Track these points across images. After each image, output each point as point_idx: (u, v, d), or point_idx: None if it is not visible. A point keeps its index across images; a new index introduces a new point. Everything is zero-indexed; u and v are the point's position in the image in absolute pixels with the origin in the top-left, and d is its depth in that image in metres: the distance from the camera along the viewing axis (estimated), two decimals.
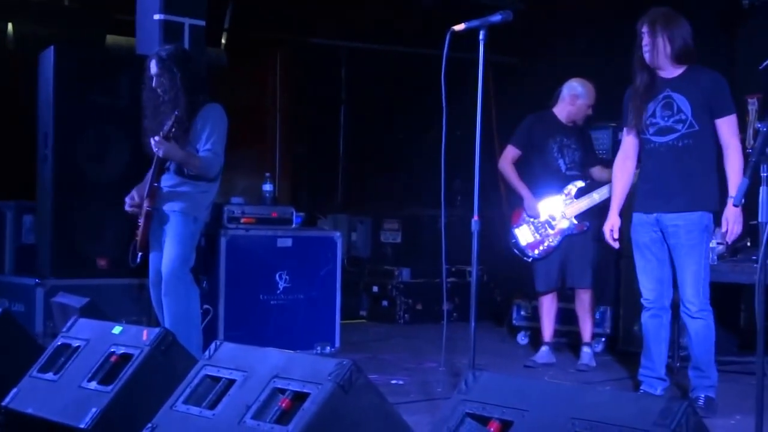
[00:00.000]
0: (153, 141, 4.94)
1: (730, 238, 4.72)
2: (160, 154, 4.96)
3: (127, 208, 5.12)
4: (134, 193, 5.13)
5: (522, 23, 7.29)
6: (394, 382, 5.44)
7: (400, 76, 9.52)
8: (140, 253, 5.06)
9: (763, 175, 3.53)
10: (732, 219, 4.65)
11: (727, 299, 5.84)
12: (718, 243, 5.82)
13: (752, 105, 6.87)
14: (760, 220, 3.55)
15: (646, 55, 4.75)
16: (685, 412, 2.40)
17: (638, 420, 2.43)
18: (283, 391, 3.06)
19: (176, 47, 5.25)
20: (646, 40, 4.76)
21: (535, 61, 8.68)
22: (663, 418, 2.39)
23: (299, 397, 2.99)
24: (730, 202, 4.59)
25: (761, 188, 3.55)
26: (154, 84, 5.05)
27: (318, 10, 9.02)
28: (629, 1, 5.93)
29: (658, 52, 4.73)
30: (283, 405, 3.01)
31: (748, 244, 5.76)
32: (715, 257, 5.88)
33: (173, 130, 4.90)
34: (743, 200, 4.16)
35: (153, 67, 5.05)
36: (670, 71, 4.79)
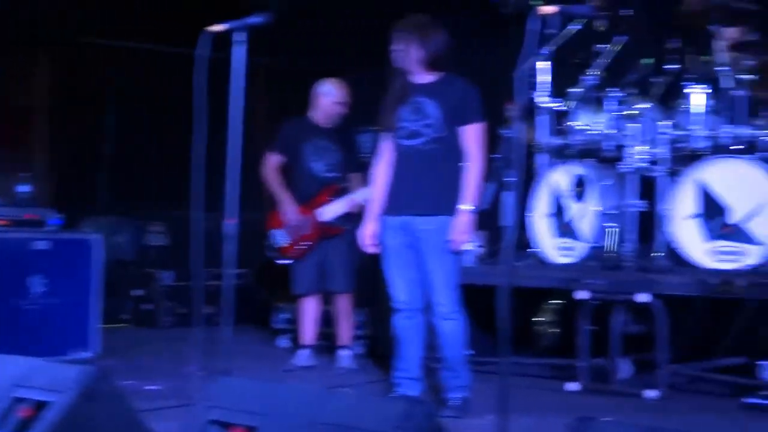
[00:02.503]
0: None
1: (456, 246, 4.81)
2: None
3: None
4: None
5: (291, 25, 7.36)
6: (149, 387, 5.34)
7: (168, 76, 9.31)
8: None
9: (507, 180, 3.68)
10: (461, 226, 4.76)
11: (484, 300, 6.06)
12: (478, 246, 6.05)
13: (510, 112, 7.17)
14: (503, 224, 3.69)
15: (399, 60, 4.85)
16: (426, 414, 2.46)
17: (381, 423, 2.47)
18: (23, 400, 2.95)
19: None
20: (399, 45, 4.85)
21: (306, 63, 8.69)
22: (404, 421, 2.44)
23: (41, 406, 2.90)
24: (463, 209, 4.71)
25: (505, 194, 3.69)
26: None
27: (88, 8, 8.73)
28: (395, 6, 6.08)
29: (411, 57, 4.84)
30: (24, 414, 2.91)
31: None
32: (473, 259, 6.12)
33: None
34: (479, 207, 4.35)
35: None
36: (423, 77, 4.90)
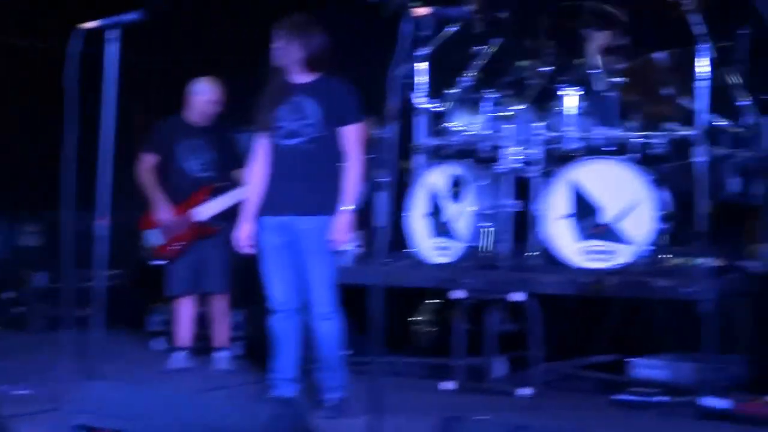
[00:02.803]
0: None
1: (336, 246, 4.84)
2: None
3: None
4: None
5: (166, 23, 7.25)
6: (18, 392, 5.19)
7: (41, 73, 9.06)
8: None
9: (380, 180, 3.72)
10: (342, 226, 4.80)
11: (361, 300, 6.10)
12: (355, 246, 6.08)
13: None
14: (376, 224, 3.73)
15: (278, 59, 4.86)
16: (295, 415, 2.47)
17: (250, 425, 2.47)
18: None
19: None
20: (280, 43, 4.85)
21: (181, 62, 8.58)
22: (274, 423, 2.44)
23: None
24: (344, 209, 4.73)
25: (378, 194, 3.72)
26: None
27: None
28: (274, 5, 6.07)
29: (291, 56, 4.84)
30: None
31: None
32: (351, 259, 6.16)
33: None
34: (356, 207, 4.39)
35: None
36: (302, 77, 4.91)
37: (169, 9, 7.53)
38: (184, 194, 6.25)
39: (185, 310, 6.31)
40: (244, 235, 4.96)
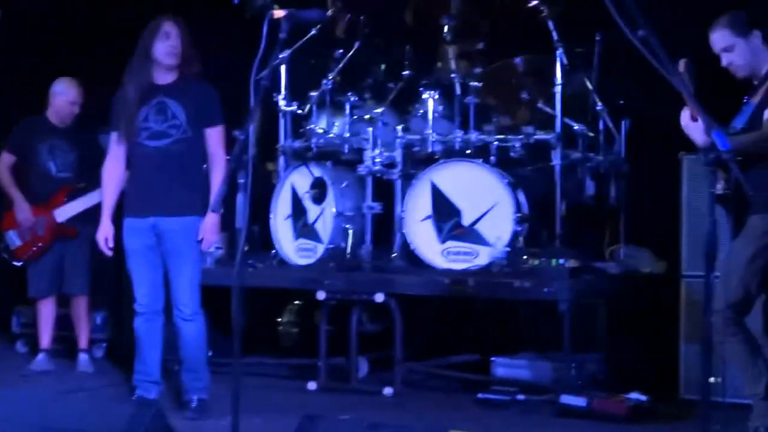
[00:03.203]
0: None
1: (205, 247, 4.89)
2: None
3: None
4: None
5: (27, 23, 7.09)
6: None
7: None
8: None
9: (240, 182, 3.74)
10: (209, 228, 4.83)
11: (226, 301, 6.09)
12: (216, 248, 6.07)
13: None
14: (237, 226, 3.75)
15: (175, 58, 4.84)
16: (154, 416, 2.48)
17: (108, 427, 2.47)
18: None
19: None
20: (174, 42, 4.82)
21: (43, 62, 8.37)
22: (131, 424, 2.45)
23: None
24: (211, 210, 4.69)
25: (238, 195, 3.75)
26: None
27: None
28: (137, 5, 6.03)
29: (170, 55, 4.85)
30: None
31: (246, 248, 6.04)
32: (213, 261, 6.14)
33: None
34: (221, 209, 4.40)
35: None
36: (165, 77, 4.91)
37: (29, 9, 7.40)
38: (45, 195, 6.17)
39: (47, 312, 6.23)
40: (104, 235, 4.93)
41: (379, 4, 6.64)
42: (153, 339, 4.96)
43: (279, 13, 3.90)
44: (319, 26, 6.33)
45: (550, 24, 5.93)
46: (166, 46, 4.84)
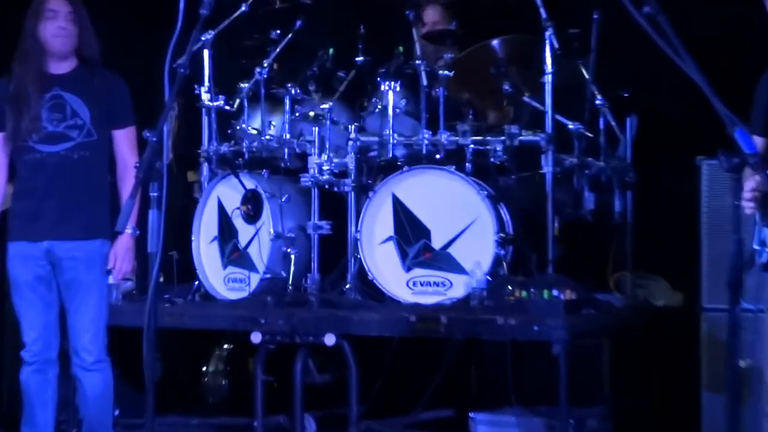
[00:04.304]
0: None
1: (117, 277, 4.92)
2: None
3: None
4: None
5: None
6: None
7: None
8: None
9: (153, 195, 3.75)
10: (121, 253, 4.86)
11: (137, 347, 6.06)
12: (125, 279, 6.05)
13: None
14: (149, 250, 3.76)
15: (66, 41, 4.84)
16: None
17: None
18: None
19: None
20: (63, 22, 4.82)
21: None
22: None
23: None
24: (122, 231, 4.70)
25: (150, 212, 3.76)
26: None
27: None
28: None
29: (66, 39, 4.86)
30: None
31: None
32: (120, 296, 6.12)
33: None
34: (136, 229, 4.38)
35: None
36: (60, 66, 4.92)
37: None
38: None
39: None
40: None
41: None
42: (44, 395, 4.94)
43: None
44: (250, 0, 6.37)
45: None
46: (53, 27, 4.84)
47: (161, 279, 6.27)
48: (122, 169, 4.93)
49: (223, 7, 5.71)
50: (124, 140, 4.94)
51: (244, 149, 6.40)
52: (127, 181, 4.81)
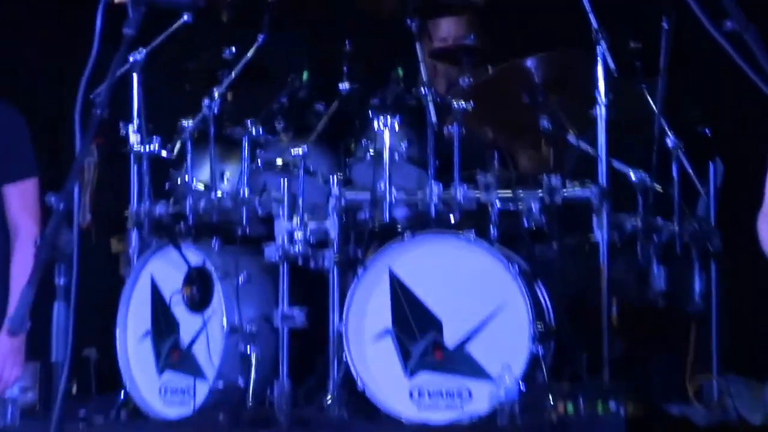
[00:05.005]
0: None
1: (1, 388, 4.92)
2: None
3: None
4: None
5: None
6: None
7: None
8: None
9: (60, 283, 3.71)
10: (4, 358, 4.86)
11: None
12: (21, 389, 6.01)
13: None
14: (54, 359, 3.73)
15: None
16: None
17: None
18: None
19: None
20: None
21: None
22: None
23: None
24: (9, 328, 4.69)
25: (55, 305, 3.74)
26: None
27: None
28: None
29: None
30: None
31: None
32: (17, 413, 6.06)
33: None
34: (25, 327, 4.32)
35: None
36: None
37: None
38: None
39: None
40: None
41: None
42: None
43: None
44: (192, 11, 6.35)
45: (586, 2, 5.97)
46: None
47: (74, 389, 6.23)
48: (15, 239, 4.92)
49: (158, 16, 5.69)
50: (18, 198, 4.95)
51: (187, 210, 6.40)
52: (22, 258, 4.83)
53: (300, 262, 6.17)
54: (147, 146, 6.52)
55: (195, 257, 6.25)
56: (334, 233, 6.11)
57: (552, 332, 5.81)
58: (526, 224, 6.00)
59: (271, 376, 6.14)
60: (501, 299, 5.75)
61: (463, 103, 6.12)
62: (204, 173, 6.46)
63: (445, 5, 6.64)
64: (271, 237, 6.20)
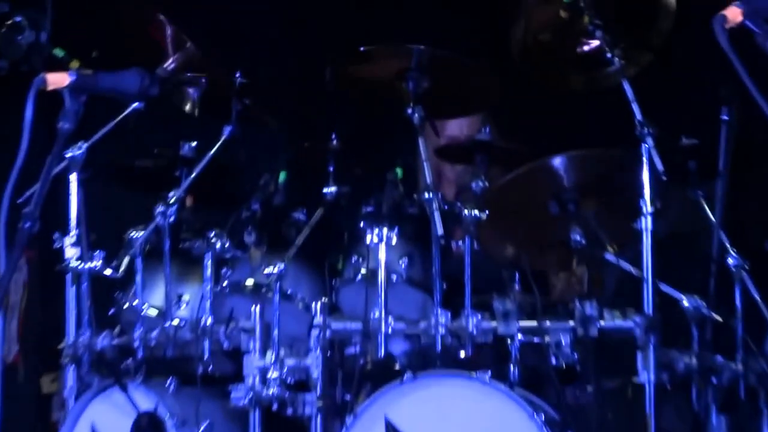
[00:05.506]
0: None
1: None
2: None
3: None
4: None
5: None
6: None
7: None
8: None
9: None
10: None
11: None
12: None
13: None
14: None
15: None
16: None
17: None
18: None
19: None
20: None
21: None
22: None
23: None
24: None
25: None
26: None
27: None
28: None
29: None
30: None
31: None
32: None
33: None
34: None
35: None
36: None
37: None
38: None
39: None
40: None
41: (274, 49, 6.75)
42: None
43: (58, 79, 3.92)
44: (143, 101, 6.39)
45: (627, 88, 6.00)
46: None
47: None
48: None
49: (102, 105, 5.73)
50: None
51: (137, 343, 6.40)
52: None
53: (275, 408, 6.13)
54: (87, 262, 6.53)
55: (146, 401, 6.23)
56: (317, 372, 6.11)
57: None
58: (554, 362, 6.00)
59: None
60: None
61: (476, 211, 6.16)
62: (157, 296, 6.48)
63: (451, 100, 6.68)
64: (239, 377, 6.19)
